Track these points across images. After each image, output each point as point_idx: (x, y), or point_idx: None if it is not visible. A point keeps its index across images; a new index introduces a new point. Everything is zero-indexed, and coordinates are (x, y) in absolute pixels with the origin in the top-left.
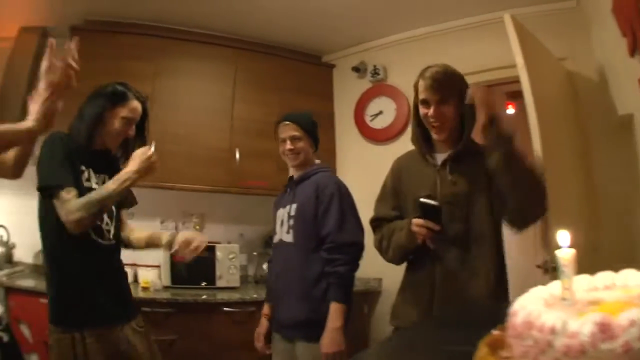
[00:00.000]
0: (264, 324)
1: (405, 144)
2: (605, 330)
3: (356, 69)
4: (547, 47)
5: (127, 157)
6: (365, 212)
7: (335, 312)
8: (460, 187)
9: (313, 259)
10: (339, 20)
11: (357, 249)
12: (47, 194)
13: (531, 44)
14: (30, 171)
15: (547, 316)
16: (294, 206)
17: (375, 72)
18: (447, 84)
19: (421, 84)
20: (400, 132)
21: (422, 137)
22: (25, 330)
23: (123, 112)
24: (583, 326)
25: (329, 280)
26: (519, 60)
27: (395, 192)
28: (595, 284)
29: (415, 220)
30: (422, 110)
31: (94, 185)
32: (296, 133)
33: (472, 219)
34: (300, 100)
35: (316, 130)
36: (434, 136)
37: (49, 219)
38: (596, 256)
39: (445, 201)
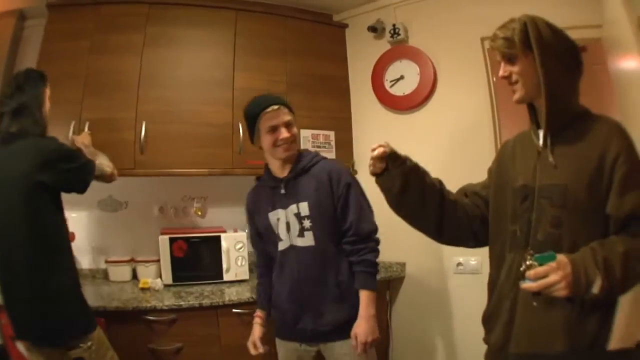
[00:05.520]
0: (257, 331)
1: (431, 113)
2: None
3: (373, 29)
4: None
5: None
6: None
7: (367, 300)
8: (559, 174)
9: (340, 257)
10: None
11: (377, 235)
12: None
13: None
14: None
15: None
16: (303, 205)
17: (394, 32)
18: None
19: None
20: (426, 99)
21: (530, 108)
22: (20, 346)
23: (48, 91)
24: None
25: (356, 269)
26: (608, 15)
27: (490, 175)
28: None
29: None
30: None
31: None
32: (289, 118)
33: (566, 222)
34: (309, 65)
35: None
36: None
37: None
38: None
39: (541, 196)
